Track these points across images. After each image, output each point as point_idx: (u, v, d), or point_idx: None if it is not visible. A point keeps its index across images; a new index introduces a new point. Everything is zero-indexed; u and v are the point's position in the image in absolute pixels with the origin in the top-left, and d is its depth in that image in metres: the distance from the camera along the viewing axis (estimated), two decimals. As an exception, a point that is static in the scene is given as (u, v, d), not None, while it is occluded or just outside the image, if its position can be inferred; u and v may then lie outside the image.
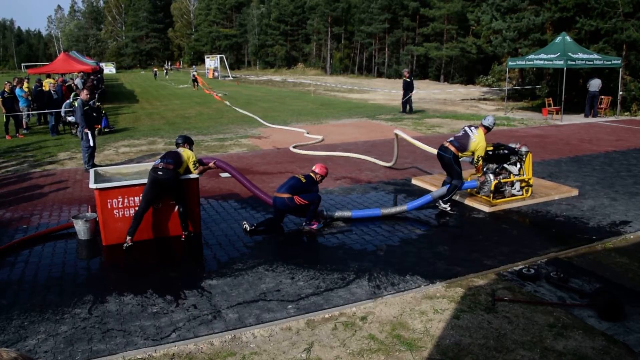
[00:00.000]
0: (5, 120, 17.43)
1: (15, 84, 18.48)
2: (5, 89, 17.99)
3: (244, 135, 16.85)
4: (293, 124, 19.17)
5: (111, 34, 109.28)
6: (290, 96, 32.79)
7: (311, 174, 7.78)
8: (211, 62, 61.36)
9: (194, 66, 64.67)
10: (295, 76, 61.83)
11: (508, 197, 8.71)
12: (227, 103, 27.52)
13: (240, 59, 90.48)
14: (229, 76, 59.25)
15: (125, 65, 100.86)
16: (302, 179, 7.65)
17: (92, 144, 11.65)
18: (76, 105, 11.86)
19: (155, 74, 71.96)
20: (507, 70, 23.96)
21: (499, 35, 28.03)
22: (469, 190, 9.03)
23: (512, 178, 8.69)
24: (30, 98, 18.51)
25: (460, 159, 8.36)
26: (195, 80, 42.91)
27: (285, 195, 7.50)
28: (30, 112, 18.54)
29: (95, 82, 24.73)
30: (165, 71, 74.76)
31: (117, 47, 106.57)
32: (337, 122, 19.73)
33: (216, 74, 58.92)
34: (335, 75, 64.12)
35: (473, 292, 5.56)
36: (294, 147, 14.55)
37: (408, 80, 22.58)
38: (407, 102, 22.48)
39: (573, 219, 7.92)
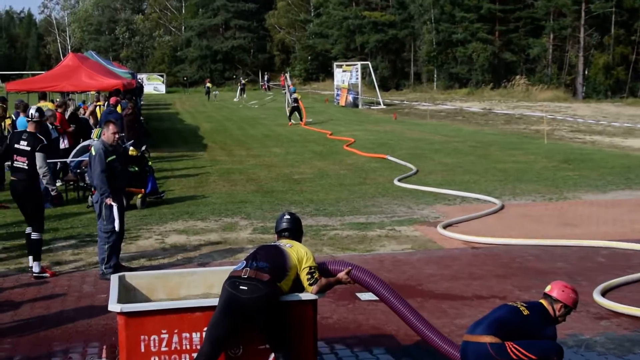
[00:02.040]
0: None
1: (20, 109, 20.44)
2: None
3: (407, 218, 17.11)
4: (507, 199, 19.10)
5: (160, 21, 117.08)
6: (499, 143, 32.84)
7: (543, 303, 7.70)
8: (344, 74, 63.12)
9: (287, 77, 66.84)
10: (509, 103, 61.90)
11: None
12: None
13: (400, 69, 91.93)
14: (379, 102, 60.45)
15: (184, 79, 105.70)
16: (522, 309, 7.61)
17: (116, 227, 12.22)
18: (93, 152, 12.53)
19: (208, 92, 76.25)
20: None
21: None
22: None
23: None
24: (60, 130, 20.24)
25: None
26: (296, 109, 44.68)
27: (487, 340, 7.38)
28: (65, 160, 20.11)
29: (134, 109, 26.21)
30: (239, 89, 78.26)
31: (170, 45, 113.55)
32: (599, 198, 19.48)
33: (352, 97, 60.31)
34: (596, 101, 62.97)
35: None
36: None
37: None
38: None
39: None
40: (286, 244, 7.74)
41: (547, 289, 7.75)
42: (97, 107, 27.36)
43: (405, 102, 64.22)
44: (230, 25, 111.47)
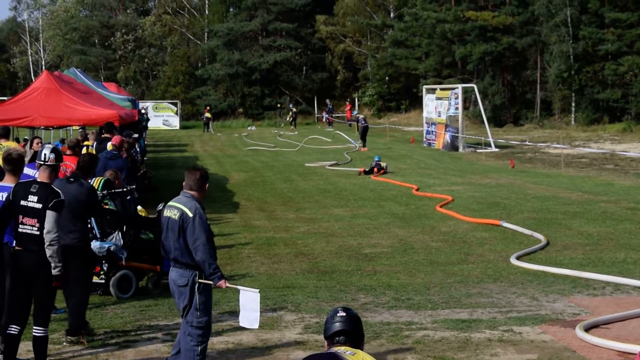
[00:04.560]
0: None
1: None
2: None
3: (531, 314, 16.90)
4: None
5: (173, 26, 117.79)
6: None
7: None
8: (439, 103, 63.47)
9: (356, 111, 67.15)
10: None
11: None
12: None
13: (520, 95, 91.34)
14: (488, 142, 60.40)
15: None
16: None
17: (254, 322, 12.49)
18: (189, 213, 12.35)
19: (207, 124, 78.31)
20: None
21: None
22: None
23: None
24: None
25: None
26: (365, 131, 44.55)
27: None
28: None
29: (130, 151, 26.16)
30: (289, 116, 79.12)
31: (187, 59, 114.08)
32: None
33: (449, 136, 60.35)
34: None
35: None
36: None
37: None
38: None
39: None
40: (346, 351, 7.55)
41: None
42: (86, 149, 27.15)
43: (527, 142, 64.29)
44: (271, 30, 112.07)
